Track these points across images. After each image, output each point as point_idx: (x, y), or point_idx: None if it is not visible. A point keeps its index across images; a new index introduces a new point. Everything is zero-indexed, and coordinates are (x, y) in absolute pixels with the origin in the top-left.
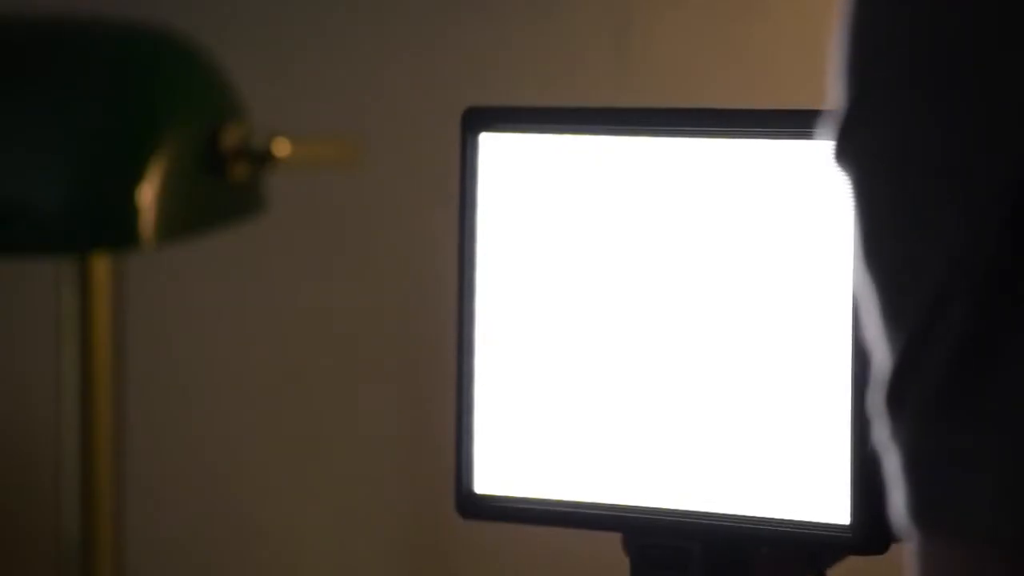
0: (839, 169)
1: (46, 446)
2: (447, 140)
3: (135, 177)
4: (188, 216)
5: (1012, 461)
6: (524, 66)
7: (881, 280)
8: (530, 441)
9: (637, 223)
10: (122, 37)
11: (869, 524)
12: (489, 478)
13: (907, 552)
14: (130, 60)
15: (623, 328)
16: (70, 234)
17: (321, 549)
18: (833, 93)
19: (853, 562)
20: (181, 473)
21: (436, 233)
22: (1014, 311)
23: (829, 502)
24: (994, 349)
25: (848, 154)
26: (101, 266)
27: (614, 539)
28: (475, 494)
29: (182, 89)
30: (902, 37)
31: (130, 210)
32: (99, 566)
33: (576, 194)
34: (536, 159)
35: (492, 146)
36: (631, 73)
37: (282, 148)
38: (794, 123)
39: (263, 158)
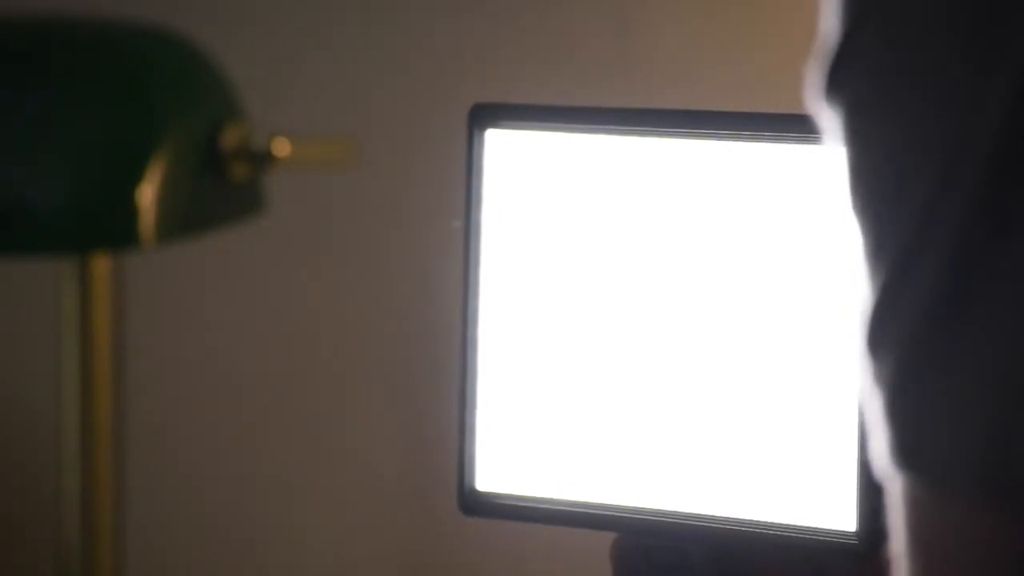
0: (827, 101)
1: (46, 446)
2: (450, 137)
3: (135, 177)
4: (188, 216)
5: (994, 404)
6: (526, 64)
7: (866, 216)
8: (533, 439)
9: (643, 223)
10: (122, 37)
11: (875, 531)
12: (492, 476)
13: (887, 498)
14: (130, 60)
15: (628, 328)
16: (70, 234)
17: (323, 547)
18: (824, 23)
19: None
20: (181, 473)
21: (440, 231)
22: (999, 242)
23: (835, 508)
24: (975, 283)
25: (837, 84)
26: (101, 266)
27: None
28: (477, 491)
29: (182, 89)
30: None
31: (130, 210)
32: (99, 567)
33: (583, 193)
34: (543, 157)
35: (498, 143)
36: (633, 72)
37: (282, 148)
38: (797, 127)
39: (263, 158)
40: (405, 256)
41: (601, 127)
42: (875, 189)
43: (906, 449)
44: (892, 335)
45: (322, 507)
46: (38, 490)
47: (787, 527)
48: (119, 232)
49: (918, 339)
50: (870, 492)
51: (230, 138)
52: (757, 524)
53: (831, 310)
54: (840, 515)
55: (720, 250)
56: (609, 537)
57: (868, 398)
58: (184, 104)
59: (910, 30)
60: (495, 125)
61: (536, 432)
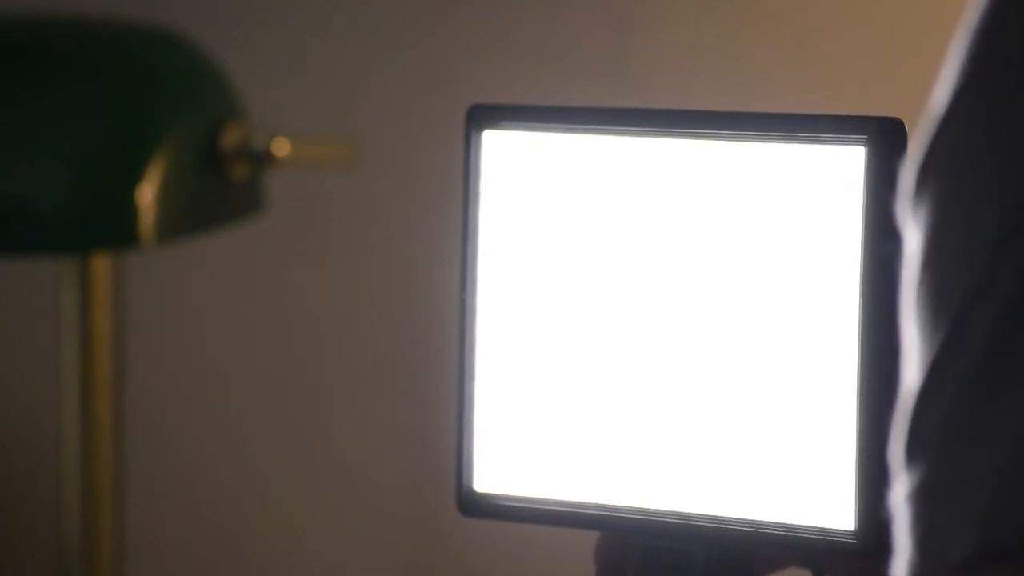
0: (917, 184)
1: (46, 446)
2: (448, 138)
3: (135, 177)
4: (188, 216)
5: (1010, 479)
6: (524, 65)
7: (932, 299)
8: (531, 440)
9: (641, 223)
10: (122, 37)
11: (874, 530)
12: (490, 476)
13: None
14: (130, 60)
15: (626, 328)
16: (70, 234)
17: (322, 548)
18: (935, 97)
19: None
20: (181, 473)
21: (438, 232)
22: None
23: (833, 507)
24: (1009, 371)
25: (934, 158)
26: (101, 266)
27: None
28: (476, 492)
29: (182, 89)
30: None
31: (130, 210)
32: (99, 567)
33: (580, 193)
34: (541, 158)
35: (496, 143)
36: (632, 72)
37: (282, 148)
38: (796, 127)
39: (263, 158)
40: (403, 256)
41: (599, 127)
42: (948, 275)
43: (930, 532)
44: (927, 419)
45: (321, 508)
46: (38, 490)
47: (786, 527)
48: (119, 232)
49: (950, 422)
50: (868, 492)
51: (230, 138)
52: (756, 524)
53: (830, 310)
54: (838, 514)
55: (719, 250)
56: None
57: (895, 483)
58: (184, 104)
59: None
60: (493, 126)
61: (534, 433)
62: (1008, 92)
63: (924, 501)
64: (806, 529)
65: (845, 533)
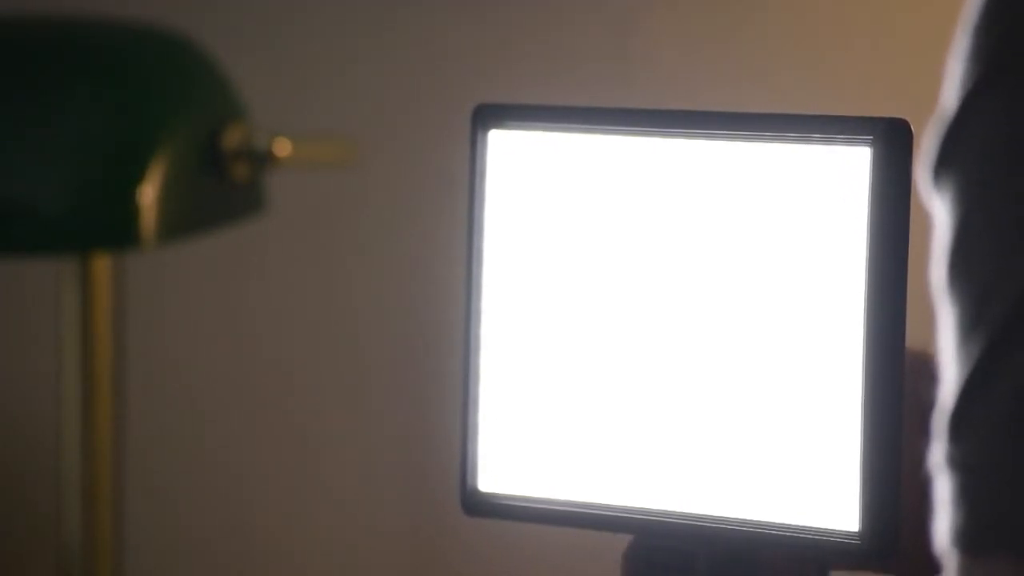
0: (935, 180)
1: (46, 446)
2: (454, 138)
3: (135, 177)
4: (188, 216)
5: None
6: (529, 65)
7: (962, 295)
8: (535, 440)
9: (647, 224)
10: (123, 37)
11: (878, 531)
12: (494, 476)
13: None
14: (131, 60)
15: (630, 328)
16: (70, 234)
17: (324, 547)
18: (943, 98)
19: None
20: (181, 473)
21: (443, 231)
22: None
23: (838, 508)
24: None
25: (952, 157)
26: (101, 266)
27: (617, 540)
28: (480, 492)
29: (183, 89)
30: None
31: (130, 210)
32: (99, 566)
33: (586, 193)
34: (546, 157)
35: (502, 143)
36: (633, 72)
37: (282, 148)
38: (796, 127)
39: (263, 158)
40: (407, 256)
41: (603, 127)
42: (976, 273)
43: (987, 526)
44: (979, 415)
45: (324, 507)
46: (38, 490)
47: (791, 528)
48: (119, 232)
49: (1012, 421)
50: (873, 493)
51: (231, 138)
52: (761, 525)
53: (835, 311)
54: (843, 516)
55: (726, 251)
56: (610, 537)
57: (937, 475)
58: (185, 104)
59: None
60: (499, 125)
61: (538, 433)
62: None
63: (975, 486)
64: (811, 530)
65: (850, 534)
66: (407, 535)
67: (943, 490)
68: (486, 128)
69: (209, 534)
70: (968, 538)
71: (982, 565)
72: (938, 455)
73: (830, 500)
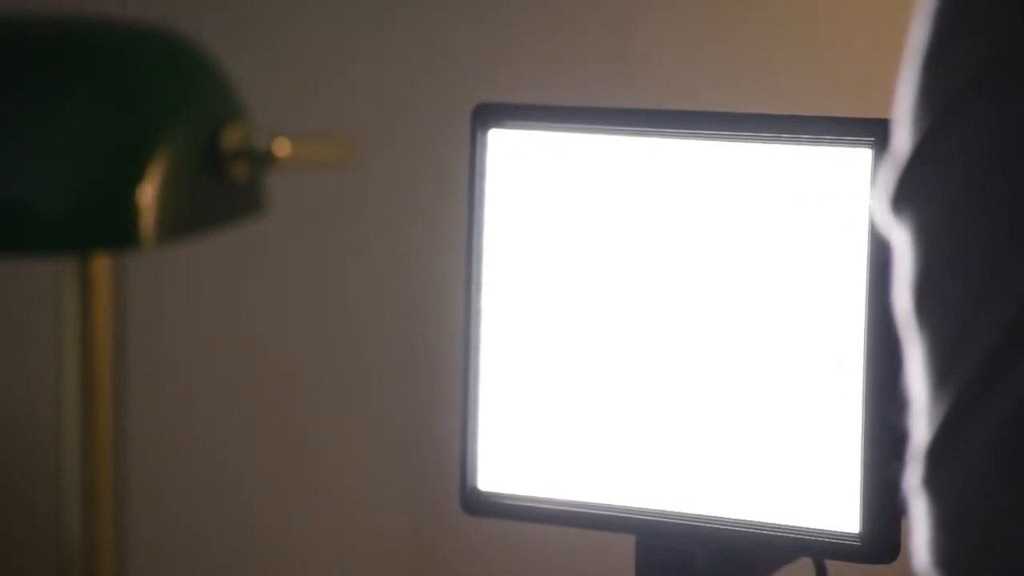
0: (894, 215)
1: (46, 446)
2: (454, 137)
3: (135, 177)
4: (188, 216)
5: None
6: (528, 64)
7: (933, 329)
8: (535, 439)
9: (645, 223)
10: (123, 37)
11: (879, 533)
12: (493, 475)
13: None
14: (131, 60)
15: (630, 328)
16: (70, 234)
17: (324, 547)
18: (895, 136)
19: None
20: (181, 473)
21: (443, 230)
22: None
23: (839, 510)
24: None
25: (910, 195)
26: (101, 266)
27: (617, 539)
28: (479, 491)
29: (182, 89)
30: (983, 70)
31: (130, 210)
32: (99, 566)
33: (585, 193)
34: (546, 156)
35: (502, 142)
36: (633, 72)
37: (282, 148)
38: (796, 127)
39: (263, 158)
40: (407, 256)
41: (603, 127)
42: (946, 310)
43: (969, 555)
44: (963, 448)
45: (323, 507)
46: (38, 490)
47: (791, 529)
48: (119, 232)
49: (996, 455)
50: (874, 494)
51: (230, 138)
52: (761, 526)
53: (836, 312)
54: (844, 517)
55: (727, 251)
56: (610, 537)
57: (914, 498)
58: (184, 104)
59: (995, 146)
60: (499, 125)
61: (538, 432)
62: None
63: (957, 517)
64: (811, 532)
65: (850, 535)
66: (407, 535)
67: (922, 513)
68: (486, 128)
69: (209, 534)
70: (955, 563)
71: None
72: (915, 479)
73: (830, 501)
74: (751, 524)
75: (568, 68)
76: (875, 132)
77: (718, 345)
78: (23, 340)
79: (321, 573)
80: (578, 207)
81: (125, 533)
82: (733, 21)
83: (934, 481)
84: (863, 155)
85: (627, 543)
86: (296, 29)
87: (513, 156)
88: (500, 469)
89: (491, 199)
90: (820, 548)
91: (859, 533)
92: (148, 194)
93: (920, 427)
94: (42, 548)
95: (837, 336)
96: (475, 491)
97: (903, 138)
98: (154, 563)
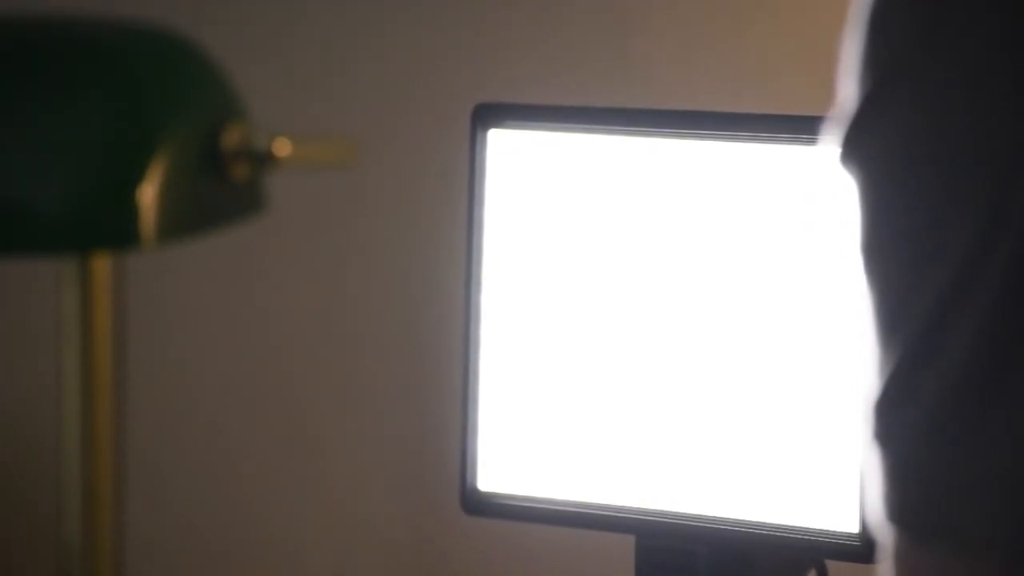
0: (844, 169)
1: (46, 447)
2: (453, 137)
3: (136, 177)
4: (188, 216)
5: (1017, 470)
6: (528, 64)
7: (881, 284)
8: (535, 440)
9: (645, 223)
10: (123, 37)
11: None
12: (493, 476)
13: (883, 551)
14: (131, 60)
15: (630, 329)
16: (70, 234)
17: (324, 547)
18: (842, 90)
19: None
20: (181, 473)
21: (443, 230)
22: None
23: (838, 510)
24: (1006, 359)
25: (856, 153)
26: (101, 266)
27: (617, 539)
28: (479, 492)
29: (183, 89)
30: (924, 32)
31: (130, 210)
32: (99, 566)
33: (585, 192)
34: (546, 157)
35: (502, 143)
36: (633, 72)
37: (282, 148)
38: (796, 127)
39: (263, 158)
40: (407, 256)
41: (603, 127)
42: (892, 265)
43: (918, 507)
44: (910, 401)
45: (323, 507)
46: (38, 490)
47: (790, 529)
48: (119, 232)
49: (942, 408)
50: None
51: (231, 138)
52: (761, 526)
53: (832, 311)
54: (843, 517)
55: (721, 251)
56: (610, 537)
57: (866, 451)
58: (184, 104)
59: (939, 102)
60: (498, 125)
61: (538, 433)
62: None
63: (908, 465)
64: (810, 531)
65: (849, 536)
66: (407, 535)
67: (875, 467)
68: (486, 128)
69: (209, 534)
70: (904, 516)
71: (919, 545)
72: (867, 433)
73: (830, 501)
74: (751, 524)
75: (567, 68)
76: None
77: (718, 345)
78: (23, 340)
79: (321, 573)
80: (578, 207)
81: (125, 533)
82: (732, 21)
83: (884, 432)
84: None
85: (627, 543)
86: (296, 29)
87: (513, 156)
88: (500, 469)
89: (491, 199)
90: (820, 548)
91: (859, 533)
92: (148, 194)
93: (871, 380)
94: (42, 548)
95: (837, 336)
96: (475, 491)
97: (850, 93)
98: (154, 563)
